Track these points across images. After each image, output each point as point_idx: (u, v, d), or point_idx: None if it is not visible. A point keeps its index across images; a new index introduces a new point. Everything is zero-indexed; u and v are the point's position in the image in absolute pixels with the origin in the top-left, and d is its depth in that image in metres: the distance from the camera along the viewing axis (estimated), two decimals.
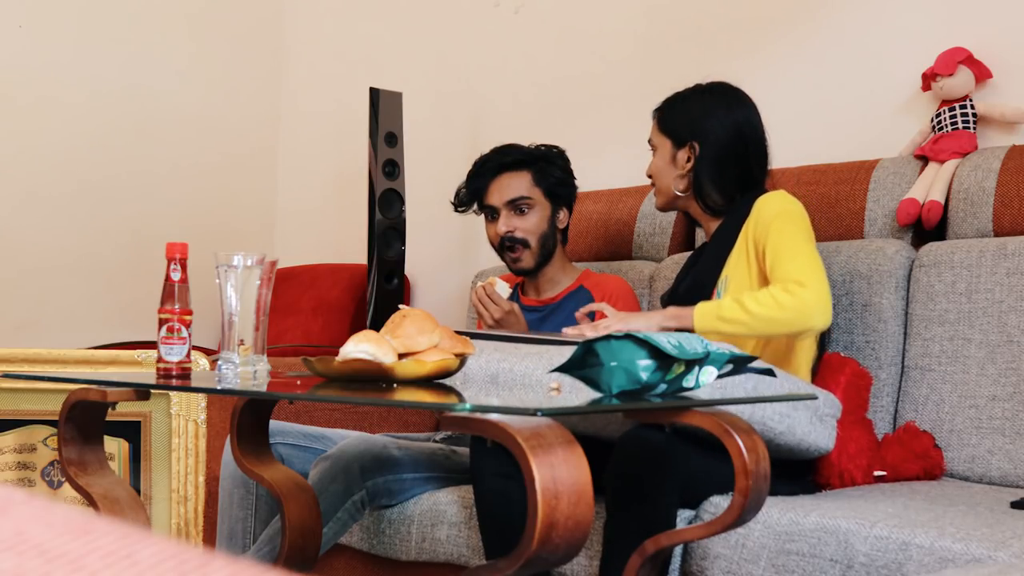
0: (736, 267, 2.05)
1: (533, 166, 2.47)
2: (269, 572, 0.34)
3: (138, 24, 3.66)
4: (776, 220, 1.99)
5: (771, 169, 2.19)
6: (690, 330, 1.90)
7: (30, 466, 2.37)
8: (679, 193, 2.17)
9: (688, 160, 2.14)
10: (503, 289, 2.31)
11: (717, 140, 2.12)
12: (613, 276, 2.51)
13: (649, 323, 1.93)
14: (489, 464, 1.79)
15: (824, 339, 2.13)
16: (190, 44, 3.80)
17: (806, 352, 2.05)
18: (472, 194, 2.52)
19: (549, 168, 2.47)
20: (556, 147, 2.53)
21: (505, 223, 2.44)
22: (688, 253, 2.60)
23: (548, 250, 2.47)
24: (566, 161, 2.52)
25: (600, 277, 2.50)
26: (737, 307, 1.88)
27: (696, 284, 2.11)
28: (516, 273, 2.52)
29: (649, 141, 2.24)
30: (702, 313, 1.91)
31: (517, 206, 2.45)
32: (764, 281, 2.00)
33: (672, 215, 2.67)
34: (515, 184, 2.45)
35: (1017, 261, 2.08)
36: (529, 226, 2.45)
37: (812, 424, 1.79)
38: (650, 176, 2.24)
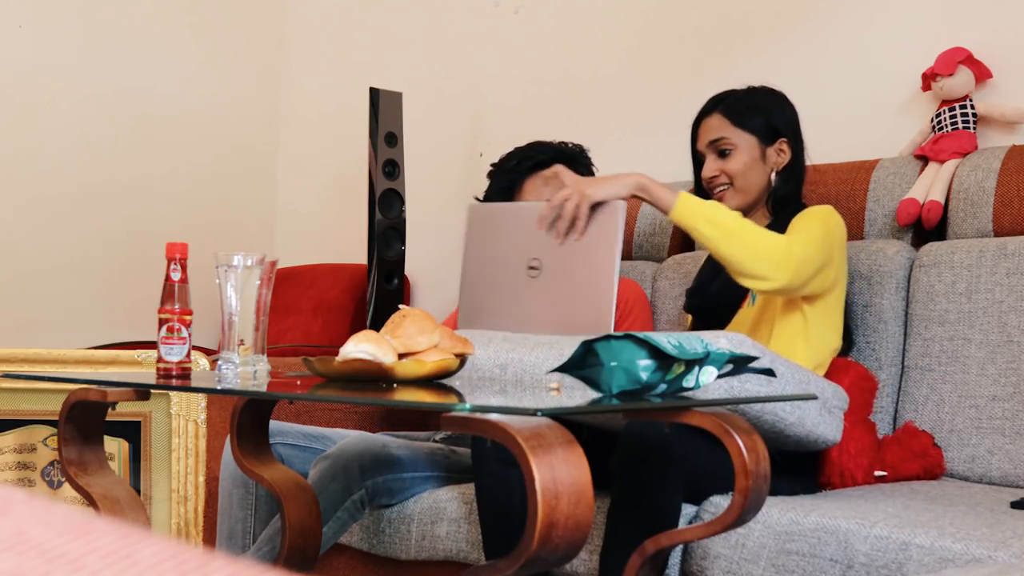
0: None
1: (565, 165, 2.45)
2: (269, 572, 0.34)
3: (138, 24, 3.66)
4: (807, 215, 2.03)
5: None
6: (662, 208, 1.90)
7: (30, 466, 2.37)
8: (769, 187, 2.15)
9: (780, 155, 2.15)
10: None
11: (798, 139, 2.17)
12: (625, 279, 2.48)
13: (615, 187, 1.89)
14: (490, 450, 1.79)
15: (848, 342, 2.14)
16: (190, 44, 3.80)
17: (827, 352, 2.05)
18: (503, 190, 2.49)
19: (577, 168, 2.45)
20: (579, 145, 2.50)
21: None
22: (692, 252, 2.60)
23: None
24: (589, 160, 2.50)
25: None
26: (729, 217, 1.88)
27: (729, 286, 2.10)
28: None
29: (715, 141, 2.15)
30: (688, 203, 1.88)
31: None
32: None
33: None
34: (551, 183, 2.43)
35: (1017, 261, 2.08)
36: None
37: (821, 415, 1.79)
38: (718, 176, 2.15)
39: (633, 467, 1.66)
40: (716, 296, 2.12)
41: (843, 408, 1.88)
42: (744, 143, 2.14)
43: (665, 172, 2.85)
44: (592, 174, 2.49)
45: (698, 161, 2.23)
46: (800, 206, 2.14)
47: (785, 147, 2.15)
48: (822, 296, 2.01)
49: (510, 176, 2.45)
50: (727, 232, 1.86)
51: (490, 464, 1.80)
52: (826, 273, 1.97)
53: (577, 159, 2.47)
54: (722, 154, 2.15)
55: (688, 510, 1.78)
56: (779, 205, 2.15)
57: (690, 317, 2.23)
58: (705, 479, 1.75)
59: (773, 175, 2.15)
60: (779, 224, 2.10)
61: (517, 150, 2.49)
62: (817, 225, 1.99)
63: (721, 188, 2.16)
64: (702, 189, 2.23)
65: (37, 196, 3.44)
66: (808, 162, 2.47)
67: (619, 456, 1.67)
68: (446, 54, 3.55)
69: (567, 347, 1.57)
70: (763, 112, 2.15)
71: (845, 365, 2.06)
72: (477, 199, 2.54)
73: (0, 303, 3.34)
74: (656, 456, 1.65)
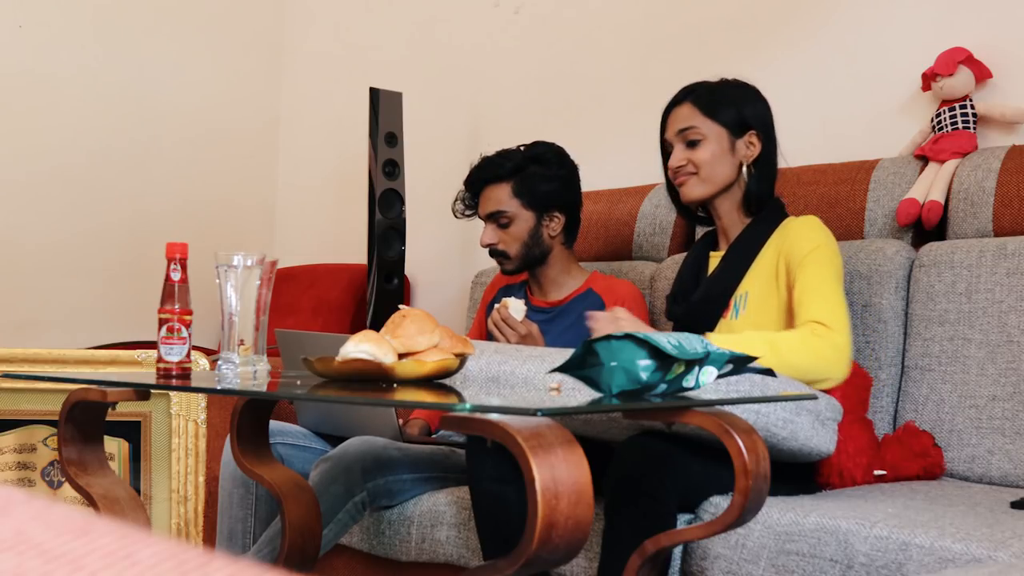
0: (761, 286, 2.03)
1: (515, 176, 2.41)
2: (269, 572, 0.34)
3: (138, 24, 3.66)
4: (813, 254, 1.98)
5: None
6: None
7: (30, 466, 2.37)
8: (736, 181, 2.11)
9: (749, 147, 2.10)
10: (517, 311, 2.23)
11: (770, 135, 2.13)
12: (624, 281, 2.47)
13: (632, 328, 1.89)
14: (486, 469, 1.79)
15: None
16: (190, 44, 3.80)
17: None
18: (472, 196, 2.52)
19: (532, 176, 2.41)
20: (551, 145, 2.46)
21: (486, 235, 2.44)
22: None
23: (533, 257, 2.43)
24: (559, 160, 2.44)
25: (609, 280, 2.47)
26: (766, 348, 1.84)
27: (711, 296, 2.07)
28: (505, 274, 2.52)
29: (684, 131, 2.12)
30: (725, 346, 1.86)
31: (497, 220, 2.43)
32: (788, 310, 2.00)
33: (673, 215, 2.66)
34: (494, 198, 2.42)
35: (1017, 261, 2.08)
36: (508, 239, 2.42)
37: (814, 428, 1.78)
38: (685, 166, 2.12)
39: (629, 477, 1.66)
40: (698, 306, 2.11)
41: (836, 419, 1.87)
42: (713, 133, 2.11)
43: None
44: (562, 178, 2.43)
45: (666, 151, 2.19)
46: (777, 204, 2.12)
47: (755, 140, 2.11)
48: None
49: (473, 187, 2.49)
50: (774, 364, 1.81)
51: (485, 484, 1.80)
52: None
53: (541, 162, 2.42)
54: (691, 144, 2.12)
55: (687, 515, 1.78)
56: (755, 206, 2.12)
57: (672, 325, 2.21)
58: (698, 491, 1.75)
59: (743, 169, 2.11)
60: (760, 231, 2.08)
61: (477, 163, 2.48)
62: (827, 271, 1.97)
63: (685, 177, 2.14)
64: (668, 179, 2.21)
65: (37, 196, 3.44)
66: (809, 162, 2.48)
67: (613, 470, 1.67)
68: (446, 54, 3.55)
69: (558, 359, 1.57)
70: (734, 104, 2.12)
71: None
72: (453, 210, 2.58)
73: (0, 303, 3.34)
74: (650, 470, 1.65)
